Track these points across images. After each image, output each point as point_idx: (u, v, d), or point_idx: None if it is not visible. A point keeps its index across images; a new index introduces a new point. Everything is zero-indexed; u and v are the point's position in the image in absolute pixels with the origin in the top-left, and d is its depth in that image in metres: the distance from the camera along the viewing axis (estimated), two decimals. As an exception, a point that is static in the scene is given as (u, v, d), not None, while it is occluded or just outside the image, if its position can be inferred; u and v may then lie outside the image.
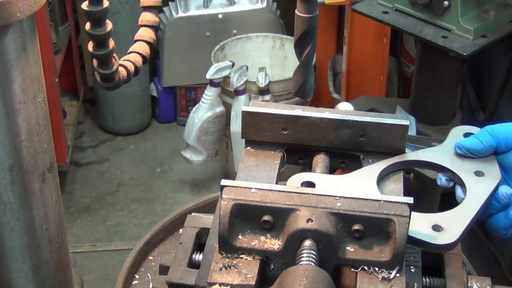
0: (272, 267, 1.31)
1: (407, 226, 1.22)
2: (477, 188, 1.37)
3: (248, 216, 1.25)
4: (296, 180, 1.38)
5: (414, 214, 1.28)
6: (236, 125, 3.67)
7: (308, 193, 1.26)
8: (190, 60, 4.28)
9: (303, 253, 1.21)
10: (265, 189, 1.26)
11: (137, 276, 1.58)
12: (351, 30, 3.32)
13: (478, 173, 1.40)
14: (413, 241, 1.26)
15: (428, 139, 2.74)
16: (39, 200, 1.37)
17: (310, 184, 1.36)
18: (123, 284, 1.52)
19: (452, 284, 1.35)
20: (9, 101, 1.25)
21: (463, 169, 1.41)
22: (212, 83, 3.73)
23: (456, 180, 1.42)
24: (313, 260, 1.21)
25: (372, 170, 1.41)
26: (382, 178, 1.41)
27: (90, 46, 1.33)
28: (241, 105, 3.62)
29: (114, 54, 1.36)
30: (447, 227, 1.29)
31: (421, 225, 1.27)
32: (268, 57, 4.16)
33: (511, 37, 2.56)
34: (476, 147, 1.43)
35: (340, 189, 1.35)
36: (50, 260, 1.45)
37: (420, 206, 1.32)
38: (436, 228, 1.29)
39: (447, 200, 3.12)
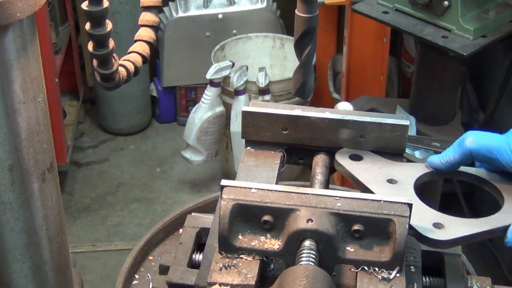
0: (272, 267, 1.31)
1: (407, 226, 1.22)
2: (509, 214, 1.33)
3: (248, 216, 1.25)
4: (345, 152, 1.45)
5: (425, 207, 1.28)
6: (236, 125, 3.66)
7: (308, 193, 1.26)
8: (190, 60, 4.28)
9: (303, 253, 1.21)
10: (265, 189, 1.26)
11: (137, 276, 1.58)
12: (351, 30, 3.32)
13: None
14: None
15: (428, 139, 2.74)
16: (39, 200, 1.37)
17: (358, 158, 1.43)
18: (123, 284, 1.52)
19: (452, 284, 1.35)
20: (9, 101, 1.25)
21: None
22: (212, 83, 3.73)
23: (499, 198, 1.38)
24: (313, 260, 1.21)
25: (419, 167, 1.43)
26: None
27: (90, 46, 1.33)
28: (241, 105, 3.62)
29: (114, 54, 1.36)
30: (448, 227, 1.29)
31: (423, 219, 1.27)
32: (268, 57, 4.16)
33: (511, 37, 2.56)
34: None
35: (381, 169, 1.40)
36: (50, 260, 1.45)
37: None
38: (437, 225, 1.29)
39: (447, 200, 3.13)
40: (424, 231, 1.27)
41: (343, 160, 1.43)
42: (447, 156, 1.40)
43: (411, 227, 1.26)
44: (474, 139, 1.37)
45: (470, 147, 1.37)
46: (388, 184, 1.37)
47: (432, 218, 1.30)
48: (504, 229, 1.30)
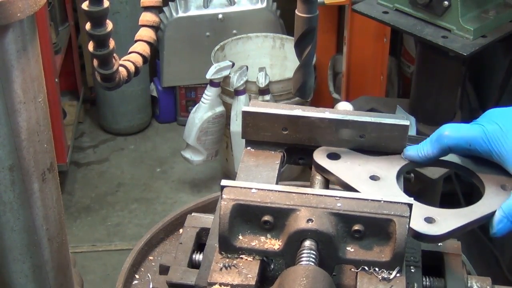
0: (272, 267, 1.31)
1: (407, 226, 1.22)
2: (492, 199, 1.34)
3: (248, 216, 1.25)
4: (322, 152, 1.44)
5: (415, 202, 1.29)
6: (236, 125, 3.67)
7: (308, 193, 1.26)
8: (190, 60, 4.28)
9: (303, 253, 1.21)
10: (265, 189, 1.26)
11: (137, 276, 1.58)
12: (351, 30, 3.32)
13: (505, 187, 1.36)
14: None
15: (428, 139, 2.70)
16: (39, 200, 1.37)
17: (336, 156, 1.42)
18: (123, 284, 1.52)
19: (452, 284, 1.36)
20: (9, 101, 1.25)
21: (492, 179, 1.38)
22: (212, 83, 3.73)
23: (480, 185, 1.39)
24: (313, 260, 1.21)
25: (397, 160, 1.43)
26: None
27: (91, 46, 1.33)
28: (241, 105, 3.62)
29: (114, 54, 1.36)
30: (440, 221, 1.29)
31: (414, 214, 1.27)
32: (268, 57, 4.16)
33: (511, 37, 2.56)
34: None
35: (361, 166, 1.40)
36: (50, 260, 1.45)
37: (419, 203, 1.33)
38: (429, 220, 1.29)
39: (447, 200, 3.12)
40: (418, 228, 1.27)
41: (322, 161, 1.43)
42: (425, 150, 1.41)
43: None
44: (451, 134, 1.38)
45: (449, 143, 1.38)
46: (372, 182, 1.37)
47: (422, 212, 1.30)
48: (492, 214, 1.30)
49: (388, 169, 1.40)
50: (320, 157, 1.44)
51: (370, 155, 1.44)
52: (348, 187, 1.37)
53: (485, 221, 1.32)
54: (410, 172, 1.47)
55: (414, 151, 1.42)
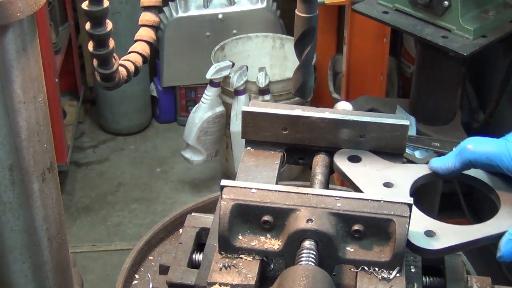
0: (272, 267, 1.32)
1: (407, 226, 1.22)
2: (504, 220, 1.30)
3: (248, 216, 1.25)
4: (343, 154, 1.43)
5: (418, 214, 1.28)
6: (236, 125, 3.67)
7: (308, 193, 1.26)
8: (190, 60, 4.29)
9: (303, 253, 1.21)
10: (265, 189, 1.26)
11: (137, 276, 1.58)
12: (351, 30, 3.32)
13: None
14: None
15: (428, 139, 2.72)
16: (39, 200, 1.37)
17: (357, 159, 1.42)
18: (123, 284, 1.52)
19: (452, 284, 1.36)
20: (9, 101, 1.25)
21: (510, 199, 1.34)
22: (212, 83, 3.73)
23: (497, 202, 1.36)
24: (313, 260, 1.21)
25: (417, 169, 1.41)
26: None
27: (90, 46, 1.33)
28: (241, 105, 3.62)
29: (114, 54, 1.36)
30: (440, 235, 1.27)
31: (416, 226, 1.26)
32: (268, 57, 4.16)
33: (511, 37, 2.56)
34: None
35: (379, 171, 1.39)
36: (50, 260, 1.45)
37: (420, 206, 1.32)
38: (429, 233, 1.27)
39: (447, 200, 3.11)
40: (414, 240, 1.25)
41: (341, 162, 1.42)
42: (447, 163, 1.38)
43: None
44: (473, 148, 1.34)
45: (470, 157, 1.35)
46: (384, 188, 1.36)
47: (425, 225, 1.28)
48: (497, 236, 1.27)
49: (405, 177, 1.39)
50: (340, 159, 1.43)
51: (391, 160, 1.43)
52: (360, 192, 1.35)
53: (492, 241, 1.28)
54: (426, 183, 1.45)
55: (438, 163, 1.39)
